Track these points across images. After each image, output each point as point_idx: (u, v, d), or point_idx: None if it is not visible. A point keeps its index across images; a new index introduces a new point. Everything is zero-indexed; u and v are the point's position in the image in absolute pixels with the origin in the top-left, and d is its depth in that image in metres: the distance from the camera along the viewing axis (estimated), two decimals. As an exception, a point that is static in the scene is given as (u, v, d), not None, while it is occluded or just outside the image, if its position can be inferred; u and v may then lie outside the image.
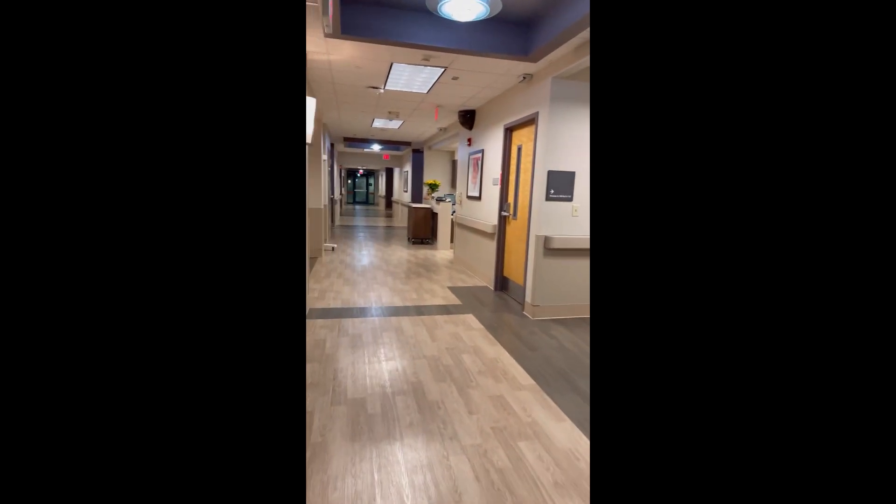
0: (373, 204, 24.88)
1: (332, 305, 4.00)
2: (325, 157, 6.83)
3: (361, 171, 24.52)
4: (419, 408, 2.23)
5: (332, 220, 10.89)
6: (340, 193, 16.80)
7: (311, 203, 6.46)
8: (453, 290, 4.81)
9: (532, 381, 2.58)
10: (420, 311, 3.95)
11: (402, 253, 7.24)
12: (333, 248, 7.32)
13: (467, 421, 2.12)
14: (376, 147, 10.83)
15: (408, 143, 9.81)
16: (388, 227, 11.46)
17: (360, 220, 13.22)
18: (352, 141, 9.53)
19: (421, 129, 7.76)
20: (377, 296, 4.40)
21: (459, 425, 2.07)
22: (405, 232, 10.57)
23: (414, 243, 8.52)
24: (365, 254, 6.99)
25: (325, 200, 7.53)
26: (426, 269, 5.86)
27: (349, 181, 25.59)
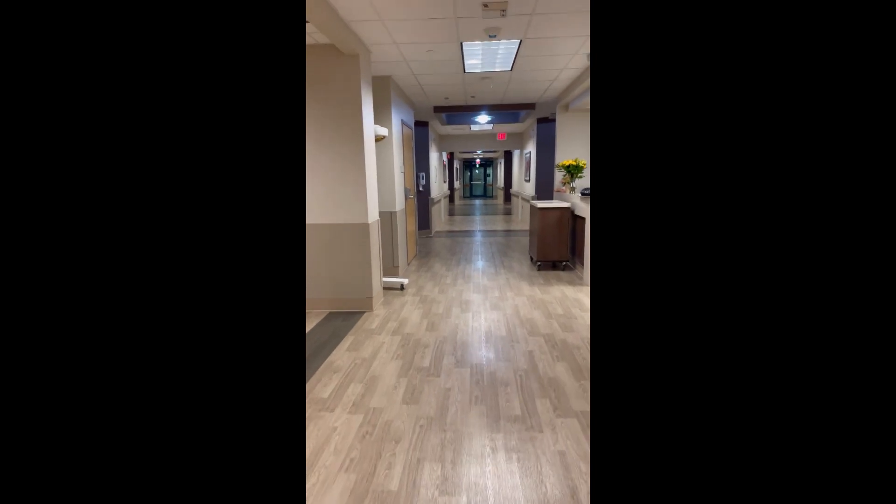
0: (491, 197, 22.05)
1: None
2: (382, 131, 3.83)
3: (479, 160, 21.76)
4: None
5: (429, 226, 8.03)
6: (449, 189, 14.05)
7: (351, 217, 3.52)
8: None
9: None
10: None
11: (518, 299, 3.86)
12: (402, 287, 4.33)
13: None
14: (485, 120, 7.57)
15: (530, 106, 6.33)
16: (507, 234, 8.14)
17: (471, 222, 10.17)
18: (447, 111, 6.46)
19: (553, 61, 4.24)
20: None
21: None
22: (527, 239, 7.15)
23: (541, 268, 5.07)
24: (451, 299, 3.81)
25: (395, 206, 4.59)
26: (572, 370, 2.42)
27: (466, 173, 23.15)
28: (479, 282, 4.52)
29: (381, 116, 4.46)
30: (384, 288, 4.32)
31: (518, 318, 3.35)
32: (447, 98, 5.74)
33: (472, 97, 5.66)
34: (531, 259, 5.59)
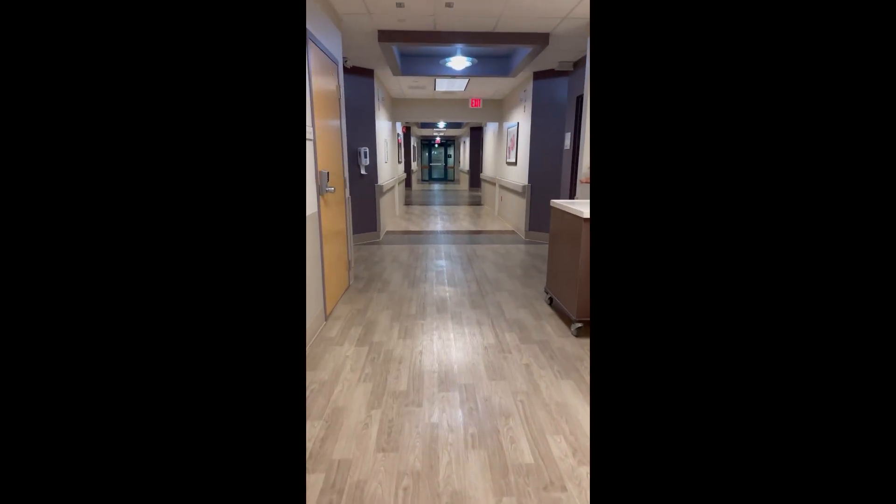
0: (452, 181, 19.50)
1: None
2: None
3: (438, 139, 19.05)
4: None
5: (376, 227, 5.43)
6: (405, 171, 11.38)
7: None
8: None
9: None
10: None
11: None
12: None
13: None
14: (461, 66, 4.99)
15: (540, 39, 3.83)
16: (481, 237, 5.69)
17: (433, 216, 7.63)
18: (402, 40, 3.83)
19: None
20: None
21: None
22: (515, 249, 4.72)
23: (581, 333, 2.67)
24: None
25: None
26: None
27: (424, 153, 20.38)
28: (471, 398, 2.04)
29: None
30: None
31: None
32: (402, 6, 3.11)
33: (449, 5, 3.07)
34: (549, 302, 3.19)
